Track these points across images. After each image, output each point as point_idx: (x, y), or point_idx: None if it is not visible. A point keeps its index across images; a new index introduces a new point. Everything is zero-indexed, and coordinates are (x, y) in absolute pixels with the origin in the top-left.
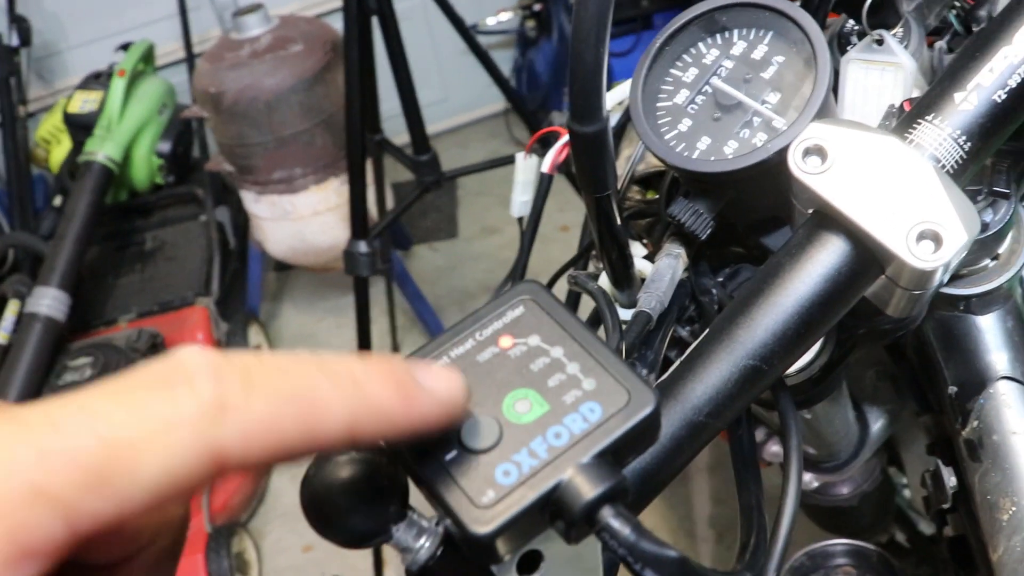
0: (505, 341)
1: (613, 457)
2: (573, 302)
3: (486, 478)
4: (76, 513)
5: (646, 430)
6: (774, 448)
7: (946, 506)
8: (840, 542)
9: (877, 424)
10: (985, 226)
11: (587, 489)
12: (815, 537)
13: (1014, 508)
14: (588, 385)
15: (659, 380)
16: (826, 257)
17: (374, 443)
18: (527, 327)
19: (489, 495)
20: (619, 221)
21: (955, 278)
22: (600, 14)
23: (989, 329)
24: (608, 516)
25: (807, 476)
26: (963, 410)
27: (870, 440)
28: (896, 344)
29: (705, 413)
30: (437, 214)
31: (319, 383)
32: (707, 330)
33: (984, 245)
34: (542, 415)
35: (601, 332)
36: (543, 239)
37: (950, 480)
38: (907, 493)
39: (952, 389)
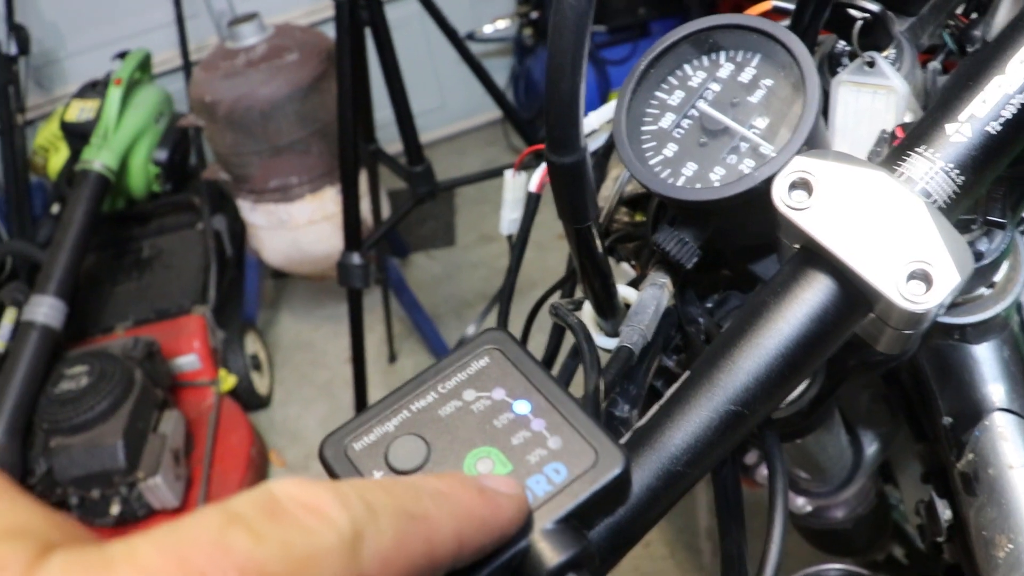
0: (468, 394)
1: (579, 520)
2: (559, 333)
3: None
4: None
5: (614, 491)
6: (766, 471)
7: (941, 539)
8: (834, 567)
9: (871, 448)
10: (980, 255)
11: (550, 556)
12: (810, 558)
13: (1011, 545)
14: (554, 444)
15: (636, 425)
16: (811, 296)
17: (475, 555)
18: (492, 379)
19: None
20: (601, 250)
21: (950, 307)
22: (575, 43)
23: (985, 359)
24: None
25: (800, 500)
26: (958, 442)
27: (864, 464)
28: (890, 368)
29: (683, 463)
30: (434, 222)
31: (423, 500)
32: (686, 374)
33: (979, 274)
34: (504, 476)
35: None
36: (541, 247)
37: (945, 513)
38: (903, 507)
39: (947, 420)
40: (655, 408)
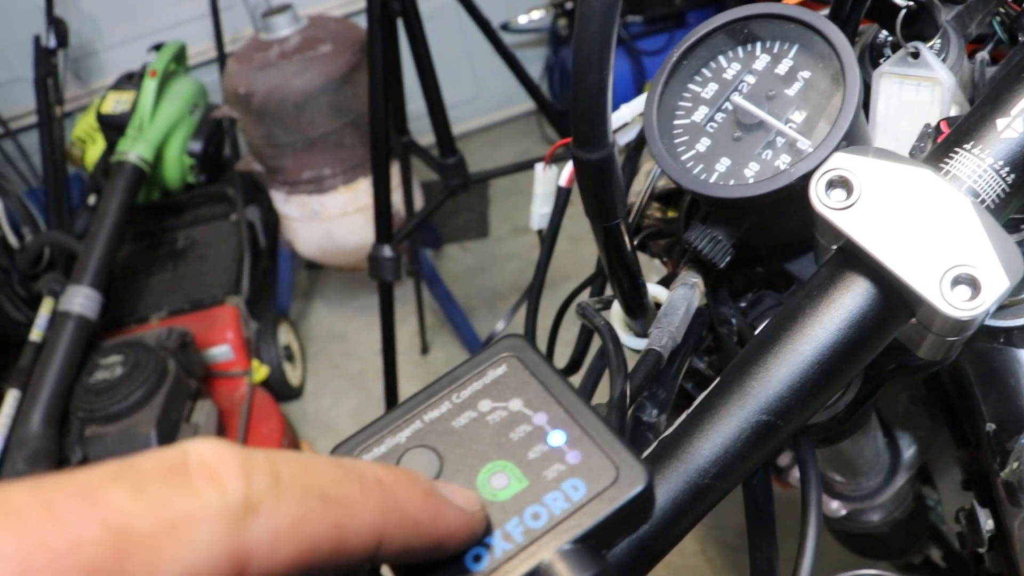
0: (484, 405)
1: (599, 540)
2: (588, 331)
3: (455, 564)
4: None
5: (636, 510)
6: (799, 473)
7: (982, 550)
8: (869, 572)
9: (909, 451)
10: None
11: None
12: (844, 561)
13: None
14: (572, 459)
15: (663, 435)
16: (850, 300)
17: (397, 556)
18: (509, 389)
19: None
20: (629, 248)
21: (995, 309)
22: (603, 34)
23: None
24: None
25: (835, 504)
26: (1002, 449)
27: (902, 467)
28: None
29: (712, 475)
30: (468, 213)
31: (349, 484)
32: (716, 381)
33: None
34: (520, 492)
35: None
36: (574, 240)
37: (987, 523)
38: (941, 509)
39: (990, 426)
40: (683, 417)
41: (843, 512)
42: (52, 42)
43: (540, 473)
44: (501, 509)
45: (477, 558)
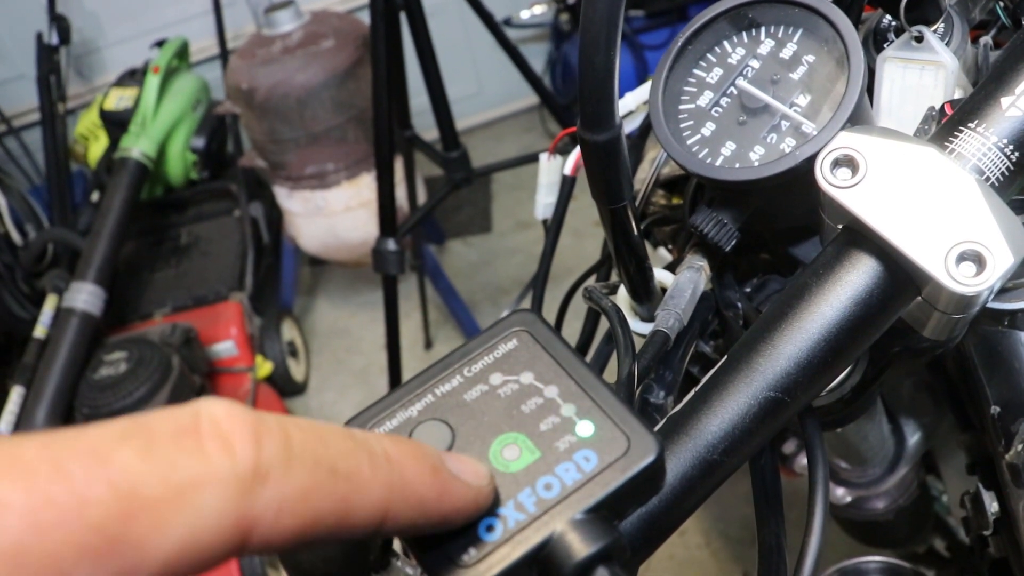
0: (495, 378)
1: (610, 510)
2: (594, 318)
3: (468, 534)
4: None
5: (647, 480)
6: (805, 460)
7: (987, 533)
8: (873, 559)
9: (914, 437)
10: None
11: (579, 548)
12: (849, 549)
13: None
14: (584, 430)
15: (672, 412)
16: (856, 278)
17: (402, 531)
18: (520, 363)
19: (471, 553)
20: (636, 232)
21: (1000, 291)
22: (610, 15)
23: None
24: None
25: (840, 491)
26: (1007, 432)
27: (906, 454)
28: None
29: (720, 451)
30: (471, 208)
31: (358, 458)
32: (724, 358)
33: None
34: (532, 463)
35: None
36: (578, 235)
37: (992, 506)
38: (946, 499)
39: (995, 409)
40: (691, 394)
41: (848, 499)
42: (54, 39)
43: (552, 444)
44: (513, 480)
45: (490, 528)
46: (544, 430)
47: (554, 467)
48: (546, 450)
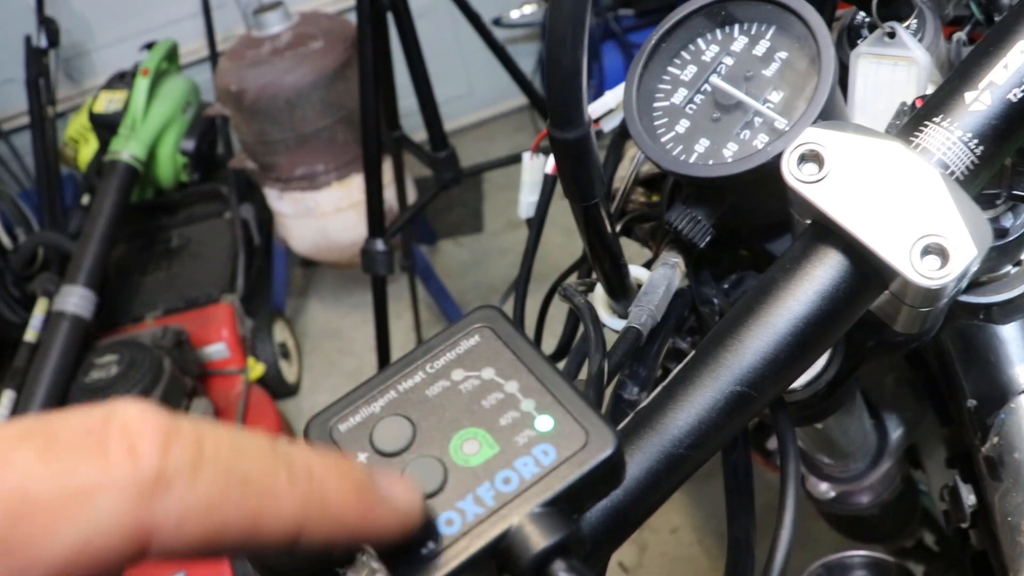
0: (457, 374)
1: (569, 504)
2: (575, 316)
3: (427, 527)
4: None
5: (606, 474)
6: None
7: (965, 525)
8: (857, 553)
9: (896, 432)
10: (1005, 232)
11: (536, 540)
12: (836, 545)
13: None
14: (543, 425)
15: (639, 407)
16: (823, 273)
17: (320, 547)
18: (481, 358)
19: (429, 546)
20: (610, 229)
21: (975, 285)
22: (576, 14)
23: (1011, 339)
24: (559, 571)
25: (824, 486)
26: (983, 425)
27: (889, 448)
28: (915, 349)
29: (686, 445)
30: (462, 209)
31: (275, 471)
32: (691, 353)
33: (1005, 251)
34: (491, 457)
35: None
36: (567, 233)
37: (969, 498)
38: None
39: (971, 402)
40: (659, 389)
41: (832, 494)
42: (43, 42)
43: (511, 439)
44: (473, 474)
45: (449, 522)
46: (504, 425)
47: (513, 461)
48: (505, 444)
